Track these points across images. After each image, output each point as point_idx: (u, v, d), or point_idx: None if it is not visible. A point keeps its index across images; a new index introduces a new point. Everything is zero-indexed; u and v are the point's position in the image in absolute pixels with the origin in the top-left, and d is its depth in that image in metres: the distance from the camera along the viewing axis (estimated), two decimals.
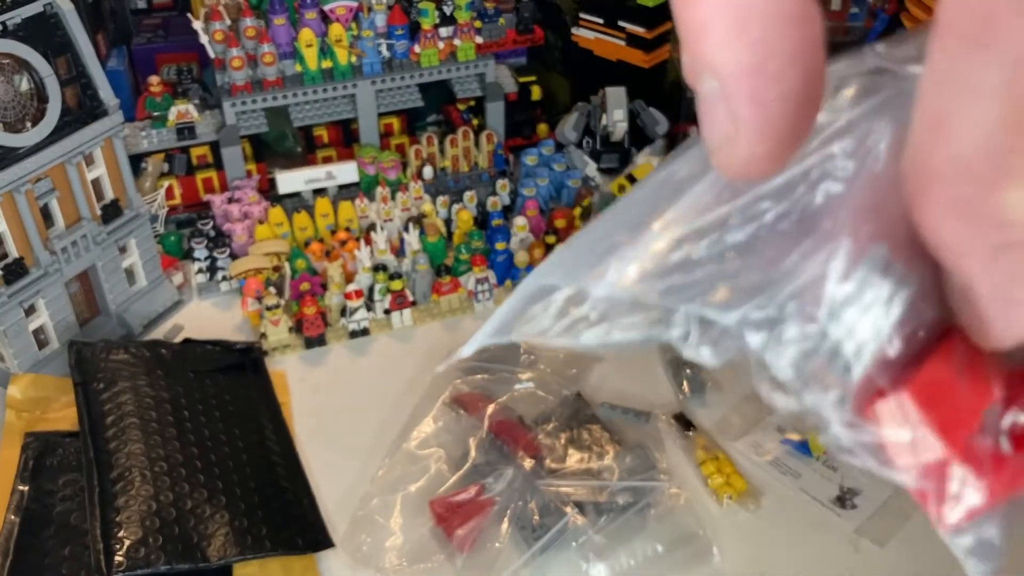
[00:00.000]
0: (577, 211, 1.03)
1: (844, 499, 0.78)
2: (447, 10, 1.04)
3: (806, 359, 0.19)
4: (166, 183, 1.03)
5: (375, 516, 0.76)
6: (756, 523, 0.77)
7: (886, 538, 0.75)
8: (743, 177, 0.19)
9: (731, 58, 0.17)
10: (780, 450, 0.82)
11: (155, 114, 1.03)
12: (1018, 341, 0.18)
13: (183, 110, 1.02)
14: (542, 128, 1.16)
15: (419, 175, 1.07)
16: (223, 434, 0.79)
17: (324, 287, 0.95)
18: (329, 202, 1.02)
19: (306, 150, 1.11)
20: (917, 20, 0.89)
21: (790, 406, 0.19)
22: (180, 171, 1.04)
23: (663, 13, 1.09)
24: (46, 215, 0.84)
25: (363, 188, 1.05)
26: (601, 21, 1.12)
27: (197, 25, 1.00)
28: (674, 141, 1.10)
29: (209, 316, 0.96)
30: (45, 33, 0.80)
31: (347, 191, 1.06)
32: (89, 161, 0.85)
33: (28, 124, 0.79)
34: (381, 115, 1.09)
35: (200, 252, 0.98)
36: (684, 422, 0.84)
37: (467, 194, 1.05)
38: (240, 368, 0.87)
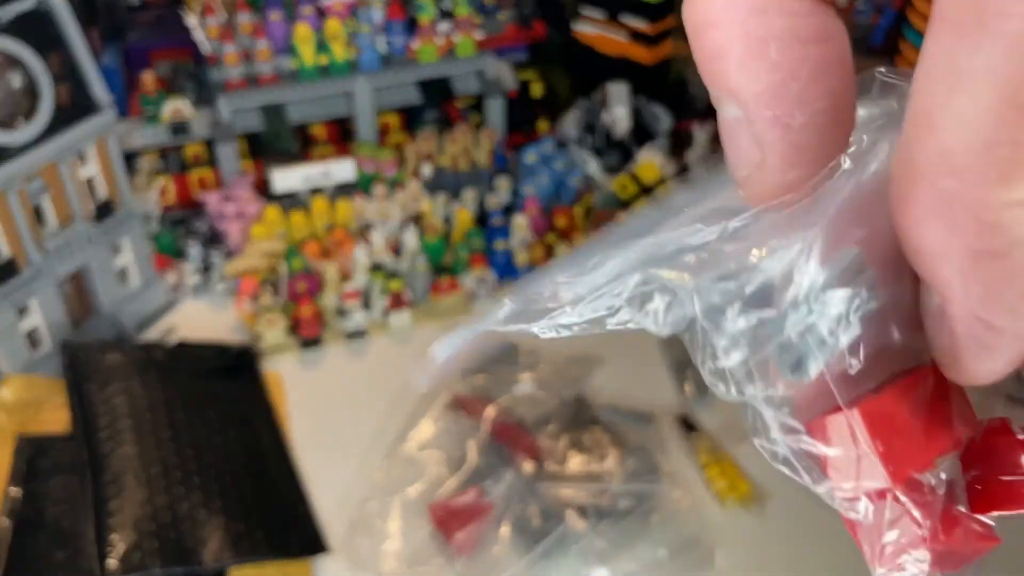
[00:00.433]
0: (578, 209, 1.02)
1: None
2: (446, 6, 1.03)
3: (756, 346, 0.18)
4: (160, 181, 1.02)
5: (373, 519, 0.75)
6: (761, 527, 0.76)
7: None
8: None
9: (751, 81, 0.17)
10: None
11: (149, 111, 1.02)
12: (989, 377, 0.17)
13: (177, 107, 1.01)
14: (543, 125, 1.15)
15: (417, 173, 1.06)
16: (218, 436, 0.78)
17: (321, 287, 0.94)
18: (326, 201, 1.01)
19: (302, 148, 1.10)
20: (923, 15, 0.88)
21: (730, 397, 0.19)
22: (174, 169, 1.03)
23: (666, 8, 1.08)
24: (38, 214, 0.83)
25: (361, 186, 1.04)
26: (603, 16, 1.11)
27: (191, 20, 0.98)
28: (677, 138, 1.09)
29: (204, 316, 0.95)
30: (37, 29, 0.79)
31: (344, 189, 1.04)
32: (82, 159, 0.84)
33: (20, 121, 0.78)
34: (379, 112, 1.07)
35: (194, 251, 0.97)
36: (687, 424, 0.83)
37: (466, 192, 1.04)
38: (235, 370, 0.86)
